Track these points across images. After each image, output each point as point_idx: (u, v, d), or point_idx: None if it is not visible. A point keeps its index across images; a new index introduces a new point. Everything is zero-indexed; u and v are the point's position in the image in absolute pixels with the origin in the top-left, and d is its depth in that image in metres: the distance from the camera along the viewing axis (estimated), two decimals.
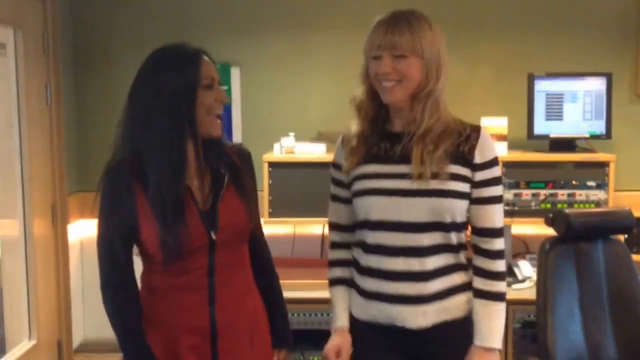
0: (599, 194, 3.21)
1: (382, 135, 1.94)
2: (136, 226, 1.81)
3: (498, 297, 1.93)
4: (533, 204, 3.21)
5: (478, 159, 1.89)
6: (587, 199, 3.21)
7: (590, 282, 2.58)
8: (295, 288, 2.92)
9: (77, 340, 3.72)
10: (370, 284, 1.94)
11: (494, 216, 1.92)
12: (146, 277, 1.91)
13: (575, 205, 3.20)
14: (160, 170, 1.77)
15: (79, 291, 3.74)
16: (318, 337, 2.93)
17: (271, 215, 3.15)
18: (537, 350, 2.55)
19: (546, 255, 2.56)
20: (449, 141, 1.87)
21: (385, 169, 1.91)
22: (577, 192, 3.21)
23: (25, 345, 3.31)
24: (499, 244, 1.94)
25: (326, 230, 3.45)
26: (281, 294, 2.11)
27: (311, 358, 3.03)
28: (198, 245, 1.83)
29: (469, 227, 1.97)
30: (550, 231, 2.64)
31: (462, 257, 1.94)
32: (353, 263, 2.02)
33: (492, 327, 1.92)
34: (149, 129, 1.77)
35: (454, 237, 1.90)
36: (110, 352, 3.60)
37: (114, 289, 1.85)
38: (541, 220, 2.74)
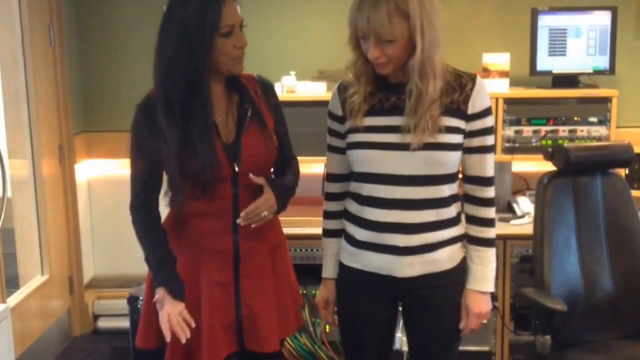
0: (601, 130, 3.20)
1: (384, 87, 1.92)
2: (160, 160, 1.90)
3: (490, 243, 1.99)
4: (534, 140, 3.21)
5: (471, 109, 1.88)
6: (589, 135, 3.20)
7: (587, 215, 2.61)
8: (298, 225, 2.99)
9: (87, 276, 3.84)
10: (361, 233, 1.97)
11: (486, 165, 1.95)
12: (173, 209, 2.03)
13: (577, 141, 3.18)
14: (184, 111, 1.86)
15: (88, 229, 3.84)
16: (320, 272, 3.02)
17: None
18: (533, 282, 2.61)
19: (544, 189, 2.59)
20: (445, 98, 1.87)
21: (380, 121, 1.90)
22: (579, 128, 3.20)
23: (38, 280, 3.44)
24: (490, 192, 1.98)
25: None
26: (288, 180, 2.12)
27: (313, 292, 3.12)
28: (222, 176, 1.93)
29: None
30: (550, 168, 2.66)
31: (453, 211, 1.96)
32: (344, 213, 2.05)
33: (485, 272, 1.99)
34: (173, 71, 1.84)
35: (446, 189, 1.92)
36: (119, 287, 3.74)
37: (140, 211, 1.99)
38: (541, 157, 2.75)
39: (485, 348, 3.16)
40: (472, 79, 1.90)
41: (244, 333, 2.02)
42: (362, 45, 1.84)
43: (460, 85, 1.88)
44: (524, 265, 3.08)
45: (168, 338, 1.91)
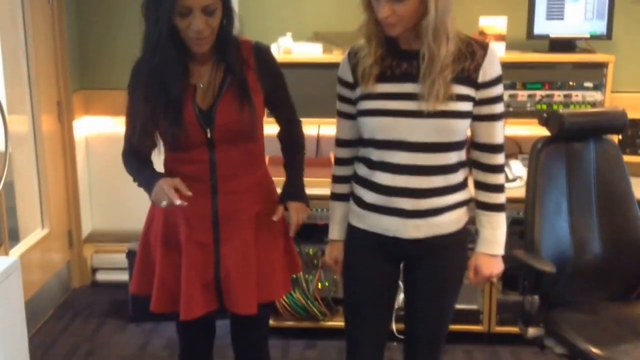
0: (596, 95, 3.22)
1: (395, 53, 1.92)
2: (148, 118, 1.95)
3: (500, 207, 2.02)
4: (528, 105, 3.23)
5: (482, 77, 1.89)
6: (584, 100, 3.22)
7: (579, 180, 2.64)
8: None
9: (85, 230, 3.90)
10: (370, 196, 1.99)
11: (495, 133, 1.97)
12: (164, 163, 2.07)
13: (571, 106, 3.20)
14: (151, 76, 1.90)
15: (85, 185, 3.88)
16: (315, 231, 3.07)
17: (268, 115, 3.19)
18: (524, 245, 2.66)
19: (537, 154, 2.61)
20: (456, 65, 1.87)
21: (391, 88, 1.90)
22: (574, 93, 3.21)
23: (38, 233, 3.51)
24: (499, 158, 2.00)
25: (322, 131, 3.52)
26: (294, 161, 2.20)
27: (307, 250, 3.18)
28: (195, 141, 1.95)
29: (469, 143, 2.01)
30: (544, 132, 2.68)
31: (460, 176, 1.99)
32: (353, 176, 2.07)
33: (496, 235, 2.03)
34: (146, 40, 1.92)
35: (454, 156, 1.94)
36: (116, 242, 3.81)
37: (129, 153, 2.05)
38: (535, 121, 2.76)
39: (474, 307, 3.24)
40: (484, 47, 1.90)
41: (223, 294, 2.04)
42: (373, 4, 1.84)
43: (471, 53, 1.88)
44: (515, 227, 3.11)
45: (176, 200, 1.86)
